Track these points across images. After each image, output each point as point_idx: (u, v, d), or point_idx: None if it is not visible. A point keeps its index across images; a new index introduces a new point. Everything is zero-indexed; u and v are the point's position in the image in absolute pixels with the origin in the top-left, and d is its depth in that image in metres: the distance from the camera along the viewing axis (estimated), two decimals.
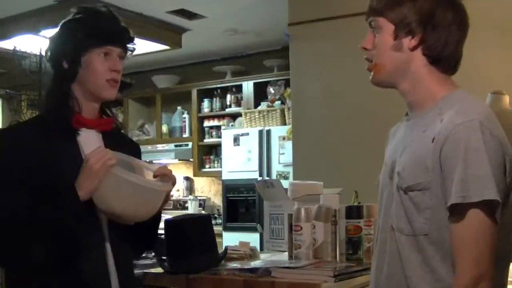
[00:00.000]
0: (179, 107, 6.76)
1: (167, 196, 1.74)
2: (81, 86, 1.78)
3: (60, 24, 1.86)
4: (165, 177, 1.74)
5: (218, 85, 6.44)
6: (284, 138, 5.56)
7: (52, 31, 1.90)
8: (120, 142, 1.86)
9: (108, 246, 1.72)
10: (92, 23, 1.80)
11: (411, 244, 1.43)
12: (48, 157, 1.67)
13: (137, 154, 1.91)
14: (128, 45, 1.84)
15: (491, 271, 1.34)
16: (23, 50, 4.40)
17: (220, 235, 5.69)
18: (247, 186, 5.60)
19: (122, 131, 1.98)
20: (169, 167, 1.81)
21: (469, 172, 1.34)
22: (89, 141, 1.76)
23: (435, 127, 1.44)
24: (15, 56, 4.38)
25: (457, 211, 1.35)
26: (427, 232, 1.40)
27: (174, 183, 1.74)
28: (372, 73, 1.62)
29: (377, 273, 1.52)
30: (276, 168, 5.59)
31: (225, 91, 6.47)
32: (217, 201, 6.74)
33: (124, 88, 1.88)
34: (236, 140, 5.86)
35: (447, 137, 1.39)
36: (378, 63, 1.58)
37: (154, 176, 1.74)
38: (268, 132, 5.70)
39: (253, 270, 1.96)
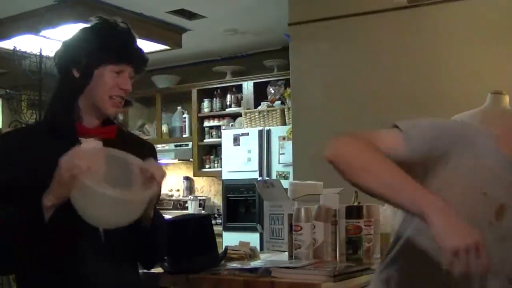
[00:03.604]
0: (179, 107, 6.76)
1: (151, 200, 1.67)
2: (85, 97, 1.76)
3: (78, 30, 1.83)
4: (150, 178, 1.65)
5: (218, 85, 6.44)
6: (284, 138, 5.56)
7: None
8: (127, 149, 1.74)
9: (104, 249, 1.70)
10: (111, 39, 1.77)
11: None
12: (46, 163, 1.59)
13: (150, 155, 1.83)
14: (140, 67, 1.82)
15: None
16: (23, 50, 4.39)
17: (220, 235, 5.69)
18: (247, 186, 5.60)
19: (130, 133, 1.95)
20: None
21: None
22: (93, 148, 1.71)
23: None
24: (15, 56, 4.38)
25: None
26: None
27: (159, 185, 1.66)
28: None
29: None
30: (276, 168, 5.58)
31: (225, 91, 6.47)
32: (217, 201, 6.74)
33: (125, 105, 1.85)
34: (236, 140, 5.86)
35: None
36: None
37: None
38: (268, 132, 5.70)
39: (253, 270, 1.96)
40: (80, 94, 1.76)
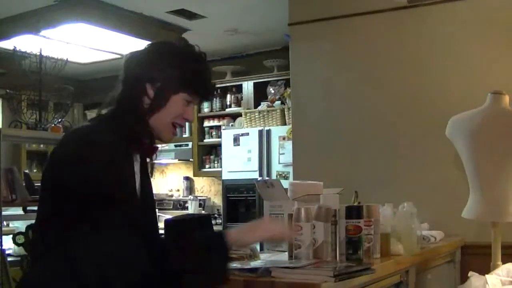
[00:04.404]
0: None
1: None
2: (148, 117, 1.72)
3: (160, 45, 1.80)
4: None
5: (218, 85, 6.43)
6: (284, 138, 5.56)
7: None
8: (147, 165, 1.82)
9: None
10: (195, 70, 1.74)
11: None
12: (131, 179, 1.64)
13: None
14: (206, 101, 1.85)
15: None
16: (23, 50, 4.39)
17: None
18: (247, 186, 5.60)
19: None
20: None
21: None
22: (135, 164, 1.73)
23: None
24: (15, 56, 4.38)
25: None
26: None
27: None
28: None
29: None
30: (276, 168, 5.59)
31: (225, 91, 6.47)
32: (217, 201, 6.74)
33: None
34: (236, 140, 5.86)
35: None
36: None
37: None
38: (268, 132, 5.70)
39: (253, 270, 1.96)
40: (151, 116, 1.71)
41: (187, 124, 6.96)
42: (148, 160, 1.80)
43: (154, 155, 1.82)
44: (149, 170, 1.84)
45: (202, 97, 1.81)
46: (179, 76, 1.71)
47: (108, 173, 1.54)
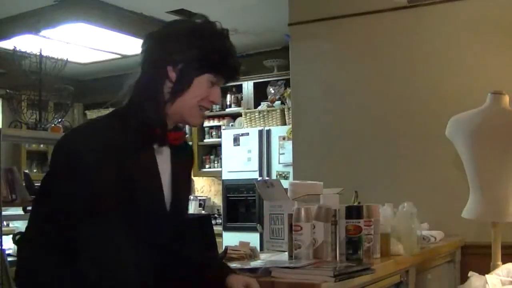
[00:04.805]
0: None
1: None
2: (172, 102, 1.63)
3: (178, 23, 1.72)
4: None
5: None
6: (284, 138, 5.56)
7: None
8: (183, 154, 1.73)
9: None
10: (219, 49, 1.64)
11: None
12: (128, 164, 1.52)
13: (192, 159, 1.85)
14: (232, 81, 1.73)
15: None
16: (23, 50, 4.39)
17: (220, 235, 5.69)
18: (247, 186, 5.60)
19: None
20: None
21: None
22: (163, 155, 1.65)
23: None
24: (15, 56, 4.38)
25: None
26: None
27: None
28: None
29: None
30: (276, 168, 5.59)
31: (225, 91, 6.47)
32: (217, 201, 6.73)
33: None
34: (236, 140, 5.86)
35: None
36: None
37: None
38: (268, 132, 5.70)
39: (253, 270, 1.96)
40: (174, 100, 1.62)
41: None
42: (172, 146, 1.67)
43: (181, 141, 1.72)
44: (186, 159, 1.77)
45: (228, 77, 1.69)
46: (201, 56, 1.61)
47: (73, 187, 1.48)
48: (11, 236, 4.16)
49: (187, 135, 6.62)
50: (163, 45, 1.63)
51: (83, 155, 1.49)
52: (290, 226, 2.19)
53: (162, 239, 1.64)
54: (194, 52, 1.61)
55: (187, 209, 1.83)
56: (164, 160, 1.66)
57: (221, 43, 1.65)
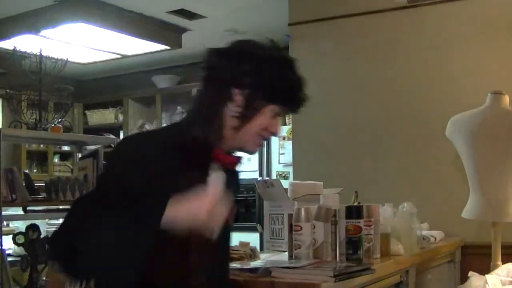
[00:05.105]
0: (179, 107, 6.76)
1: None
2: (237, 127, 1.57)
3: (249, 47, 1.64)
4: None
5: None
6: (284, 138, 5.56)
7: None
8: (232, 180, 1.68)
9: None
10: (291, 82, 1.58)
11: None
12: (178, 183, 1.44)
13: (238, 187, 1.83)
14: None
15: None
16: (23, 50, 4.39)
17: None
18: (247, 186, 5.60)
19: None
20: None
21: None
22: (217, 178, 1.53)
23: None
24: (15, 56, 4.38)
25: None
26: None
27: None
28: None
29: None
30: (276, 168, 5.58)
31: None
32: None
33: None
34: None
35: None
36: None
37: None
38: None
39: (253, 270, 1.96)
40: (242, 125, 1.56)
41: None
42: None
43: (236, 166, 1.69)
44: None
45: (292, 110, 1.63)
46: (273, 85, 1.55)
47: (114, 178, 1.48)
48: (11, 236, 4.16)
49: None
50: (233, 65, 1.56)
51: (139, 165, 1.47)
52: (290, 226, 2.19)
53: (206, 268, 1.60)
54: (267, 80, 1.55)
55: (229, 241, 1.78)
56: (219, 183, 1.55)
57: (293, 74, 1.60)
